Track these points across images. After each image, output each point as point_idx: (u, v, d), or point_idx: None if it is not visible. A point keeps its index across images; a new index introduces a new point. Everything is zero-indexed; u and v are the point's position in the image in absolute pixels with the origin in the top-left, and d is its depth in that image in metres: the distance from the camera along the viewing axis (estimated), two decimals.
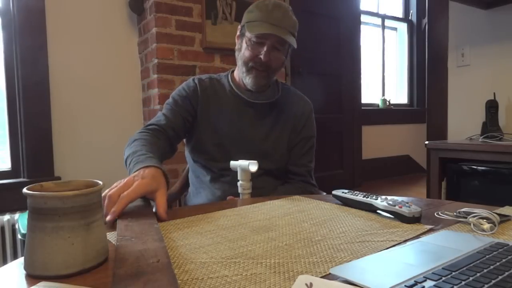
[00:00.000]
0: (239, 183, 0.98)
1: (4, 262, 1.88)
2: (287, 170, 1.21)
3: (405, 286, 0.42)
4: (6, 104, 2.04)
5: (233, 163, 0.98)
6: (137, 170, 0.82)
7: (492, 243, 0.55)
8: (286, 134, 1.19)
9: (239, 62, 1.15)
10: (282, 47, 1.11)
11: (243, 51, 1.13)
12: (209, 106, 1.17)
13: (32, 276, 0.48)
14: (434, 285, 0.41)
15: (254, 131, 1.17)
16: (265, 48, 1.08)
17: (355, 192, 0.82)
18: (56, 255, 0.48)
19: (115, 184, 0.77)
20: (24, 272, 0.49)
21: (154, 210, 0.77)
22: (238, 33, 1.17)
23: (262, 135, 1.17)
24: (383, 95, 4.49)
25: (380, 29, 4.49)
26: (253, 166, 0.96)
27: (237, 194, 1.03)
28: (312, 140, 1.25)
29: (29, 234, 0.49)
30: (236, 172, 0.99)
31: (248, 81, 1.14)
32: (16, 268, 0.52)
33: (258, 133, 1.17)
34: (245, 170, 0.97)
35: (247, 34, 1.10)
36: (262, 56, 1.08)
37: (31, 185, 0.51)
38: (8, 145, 2.06)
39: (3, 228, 1.88)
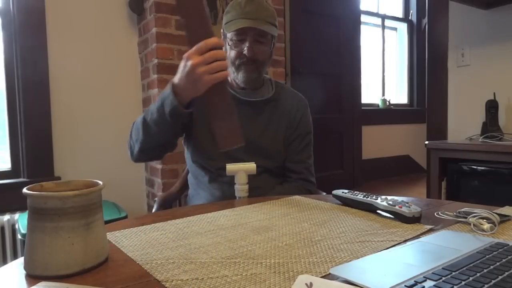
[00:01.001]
0: (236, 187, 0.98)
1: (4, 262, 1.88)
2: (285, 168, 1.20)
3: (405, 286, 0.42)
4: (6, 104, 2.04)
5: (229, 167, 0.98)
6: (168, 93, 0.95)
7: (492, 243, 0.55)
8: (281, 131, 1.19)
9: (228, 64, 1.16)
10: (264, 38, 1.12)
11: (228, 53, 1.14)
12: (204, 107, 1.17)
13: (32, 276, 0.48)
14: (434, 285, 0.41)
15: (249, 129, 1.17)
16: (247, 44, 1.09)
17: (355, 192, 0.82)
18: (56, 255, 0.48)
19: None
20: (24, 272, 0.49)
21: None
22: (222, 37, 1.18)
23: (257, 132, 1.17)
24: (383, 95, 4.49)
25: (380, 29, 4.49)
26: (252, 169, 0.98)
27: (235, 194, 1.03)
28: (309, 136, 1.25)
29: (29, 234, 0.49)
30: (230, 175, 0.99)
31: (239, 78, 1.14)
32: (16, 268, 0.52)
33: (253, 131, 1.17)
34: (241, 173, 0.97)
35: (228, 34, 1.12)
36: (245, 52, 1.09)
37: (31, 185, 0.51)
38: (8, 145, 2.06)
39: (3, 228, 1.88)
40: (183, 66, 0.89)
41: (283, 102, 1.22)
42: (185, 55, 0.87)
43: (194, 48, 0.85)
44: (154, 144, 1.06)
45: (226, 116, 0.90)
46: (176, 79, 0.93)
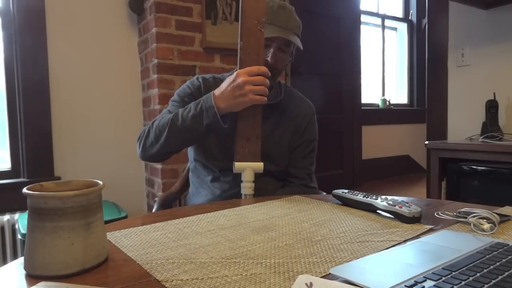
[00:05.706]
0: (242, 184, 0.98)
1: (4, 262, 1.88)
2: (287, 173, 1.21)
3: (405, 286, 0.42)
4: (6, 104, 2.04)
5: (238, 164, 0.99)
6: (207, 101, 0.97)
7: (492, 243, 0.55)
8: (287, 136, 1.19)
9: None
10: (287, 48, 1.12)
11: None
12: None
13: (32, 276, 0.48)
14: (434, 285, 0.42)
15: None
16: (271, 50, 1.08)
17: (355, 192, 0.82)
18: (56, 255, 0.48)
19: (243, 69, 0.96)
20: (24, 272, 0.50)
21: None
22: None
23: (263, 136, 1.17)
24: (383, 95, 4.49)
25: (380, 29, 4.49)
26: (259, 168, 1.00)
27: (236, 194, 1.03)
28: (314, 143, 1.25)
29: (29, 234, 0.49)
30: (237, 172, 1.00)
31: None
32: (16, 268, 0.52)
33: None
34: (249, 170, 0.98)
35: None
36: (269, 59, 1.09)
37: (31, 185, 0.51)
38: (8, 145, 2.06)
39: (3, 228, 1.88)
40: (233, 80, 0.95)
41: (291, 107, 1.22)
42: (238, 71, 0.95)
43: (247, 68, 0.95)
44: (176, 147, 1.07)
45: (253, 138, 1.00)
46: (219, 91, 0.96)
